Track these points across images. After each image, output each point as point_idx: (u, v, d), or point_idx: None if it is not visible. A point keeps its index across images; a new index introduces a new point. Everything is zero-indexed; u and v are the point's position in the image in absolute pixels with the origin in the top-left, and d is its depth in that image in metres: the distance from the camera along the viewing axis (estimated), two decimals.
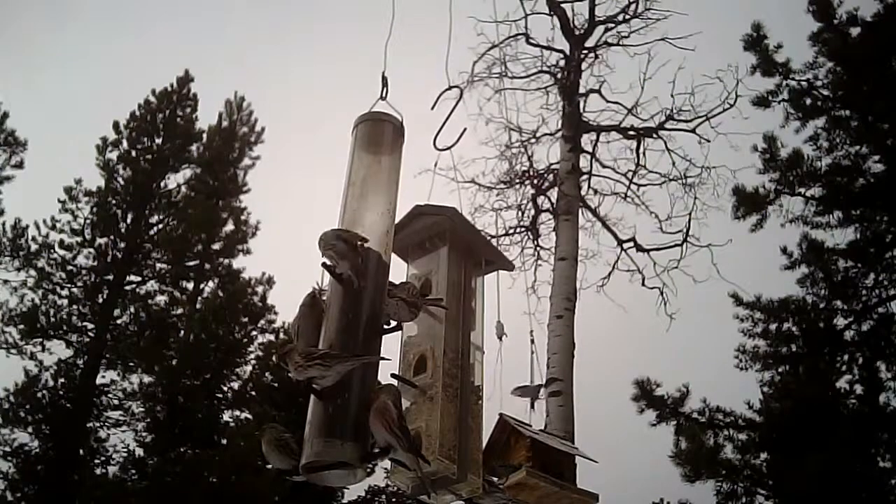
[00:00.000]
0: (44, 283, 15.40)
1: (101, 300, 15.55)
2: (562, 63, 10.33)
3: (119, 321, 15.62)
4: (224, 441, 13.51)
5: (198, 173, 17.13)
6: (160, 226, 16.57)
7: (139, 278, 16.09)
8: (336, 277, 2.41)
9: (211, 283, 16.20)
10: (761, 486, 8.75)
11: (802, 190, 9.68)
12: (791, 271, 9.55)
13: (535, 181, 10.30)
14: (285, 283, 16.02)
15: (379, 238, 2.53)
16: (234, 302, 15.20)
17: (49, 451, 13.71)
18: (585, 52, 10.22)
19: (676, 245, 9.71)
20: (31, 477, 13.40)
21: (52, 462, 13.52)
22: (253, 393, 14.58)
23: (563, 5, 10.34)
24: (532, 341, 5.54)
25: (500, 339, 3.49)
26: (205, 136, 17.61)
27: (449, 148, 2.86)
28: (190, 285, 16.17)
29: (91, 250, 15.80)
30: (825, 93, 9.87)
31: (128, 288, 15.92)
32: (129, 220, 16.32)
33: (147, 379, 14.55)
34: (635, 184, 10.04)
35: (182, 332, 15.36)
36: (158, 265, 16.22)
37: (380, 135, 2.71)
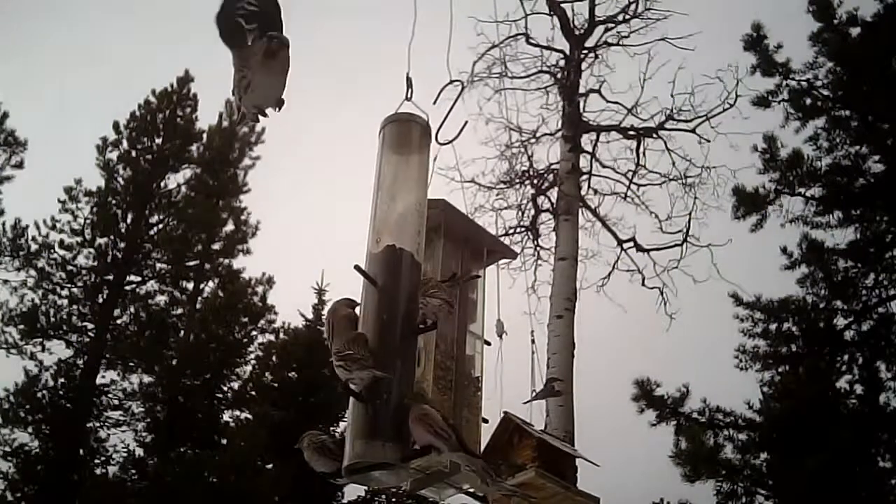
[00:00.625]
0: (44, 283, 15.39)
1: (101, 300, 15.54)
2: (562, 63, 10.34)
3: (119, 321, 15.61)
4: (224, 441, 13.50)
5: (198, 173, 17.12)
6: (160, 226, 16.56)
7: (139, 278, 16.08)
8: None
9: (211, 283, 16.21)
10: (761, 486, 8.74)
11: (802, 190, 9.68)
12: (791, 271, 9.55)
13: (535, 181, 10.31)
14: (285, 283, 16.04)
15: (411, 238, 2.57)
16: (234, 302, 15.19)
17: (49, 451, 13.70)
18: (585, 52, 10.23)
19: (676, 245, 9.74)
20: (31, 477, 13.39)
21: (52, 462, 13.51)
22: (253, 393, 14.56)
23: (563, 5, 10.35)
24: (532, 341, 5.52)
25: (500, 337, 3.50)
26: (205, 136, 17.60)
27: (451, 142, 2.88)
28: (190, 285, 16.18)
29: (91, 250, 15.79)
30: (825, 93, 9.86)
31: (128, 288, 15.92)
32: (129, 220, 16.31)
33: (147, 379, 14.57)
34: (635, 184, 10.06)
35: (182, 332, 15.36)
36: (158, 265, 16.22)
37: (407, 135, 2.74)
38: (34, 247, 15.51)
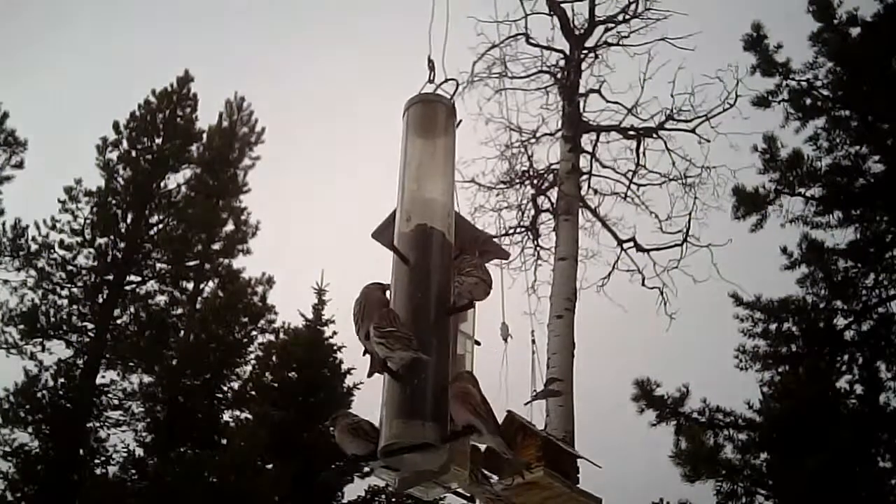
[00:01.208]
0: (44, 283, 15.40)
1: (101, 300, 15.54)
2: (562, 63, 10.34)
3: (119, 321, 15.62)
4: (224, 441, 13.50)
5: (198, 173, 17.14)
6: (160, 226, 16.57)
7: (139, 278, 16.09)
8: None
9: (211, 283, 16.22)
10: (761, 486, 8.74)
11: (802, 190, 9.67)
12: (791, 271, 9.55)
13: (535, 181, 10.31)
14: (285, 283, 16.03)
15: (441, 218, 2.55)
16: (234, 302, 15.20)
17: (49, 451, 13.70)
18: (585, 52, 10.23)
19: (676, 245, 9.74)
20: (31, 477, 13.39)
21: (52, 462, 13.51)
22: (253, 393, 14.57)
23: (563, 5, 10.35)
24: (533, 341, 5.52)
25: (504, 340, 3.44)
26: (205, 136, 17.62)
27: None
28: (190, 285, 16.19)
29: (91, 250, 15.80)
30: (825, 93, 9.86)
31: (128, 288, 15.93)
32: (129, 220, 16.32)
33: (147, 379, 14.57)
34: (635, 184, 10.05)
35: (182, 332, 15.36)
36: (158, 265, 16.22)
37: (433, 116, 2.72)
38: (34, 247, 15.53)
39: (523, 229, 10.21)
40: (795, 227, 9.63)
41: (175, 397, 13.87)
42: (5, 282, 15.31)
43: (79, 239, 15.81)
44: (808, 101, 9.87)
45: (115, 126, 16.94)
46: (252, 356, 15.17)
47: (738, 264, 10.01)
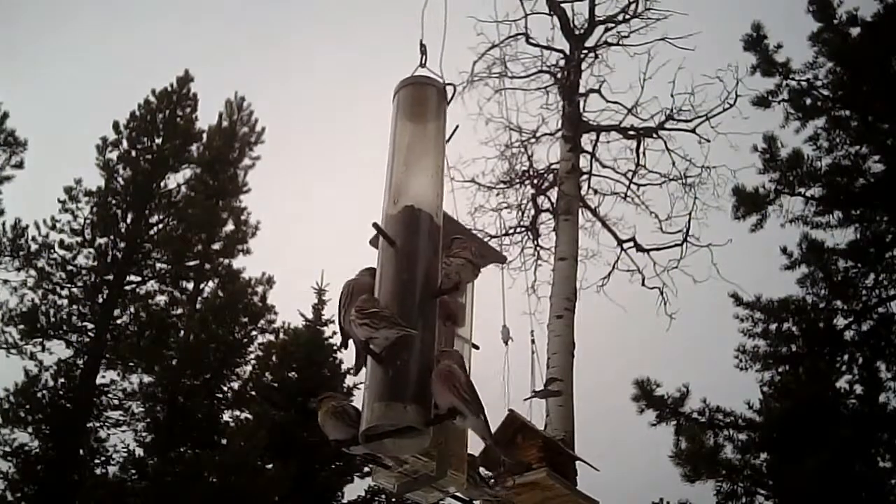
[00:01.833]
0: (44, 283, 15.38)
1: (101, 300, 15.53)
2: (562, 63, 10.34)
3: (119, 321, 15.60)
4: (224, 441, 13.50)
5: (198, 173, 17.11)
6: (160, 226, 16.55)
7: (139, 278, 16.08)
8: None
9: (211, 283, 16.18)
10: (761, 486, 8.74)
11: (802, 190, 9.67)
12: (791, 271, 9.55)
13: (535, 181, 10.32)
14: (285, 283, 16.02)
15: (430, 201, 2.51)
16: (234, 302, 15.19)
17: (49, 451, 13.69)
18: (585, 51, 10.23)
19: (676, 245, 9.75)
20: (31, 477, 13.39)
21: (52, 462, 13.50)
22: (253, 393, 14.57)
23: (563, 5, 10.35)
24: (532, 341, 5.53)
25: (505, 343, 3.41)
26: (205, 136, 17.60)
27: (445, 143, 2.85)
28: (190, 285, 16.16)
29: (91, 250, 15.79)
30: (825, 93, 9.86)
31: (128, 288, 15.91)
32: (129, 220, 16.31)
33: (147, 379, 14.54)
34: (635, 184, 10.07)
35: (182, 332, 15.34)
36: (158, 265, 16.21)
37: (423, 99, 2.68)
38: (34, 247, 15.51)
39: (523, 229, 10.22)
40: (795, 227, 9.65)
41: (175, 397, 13.86)
42: (5, 282, 15.31)
43: (79, 239, 15.80)
44: (808, 101, 9.88)
45: (115, 126, 16.92)
46: (252, 356, 15.18)
47: (738, 264, 10.02)
